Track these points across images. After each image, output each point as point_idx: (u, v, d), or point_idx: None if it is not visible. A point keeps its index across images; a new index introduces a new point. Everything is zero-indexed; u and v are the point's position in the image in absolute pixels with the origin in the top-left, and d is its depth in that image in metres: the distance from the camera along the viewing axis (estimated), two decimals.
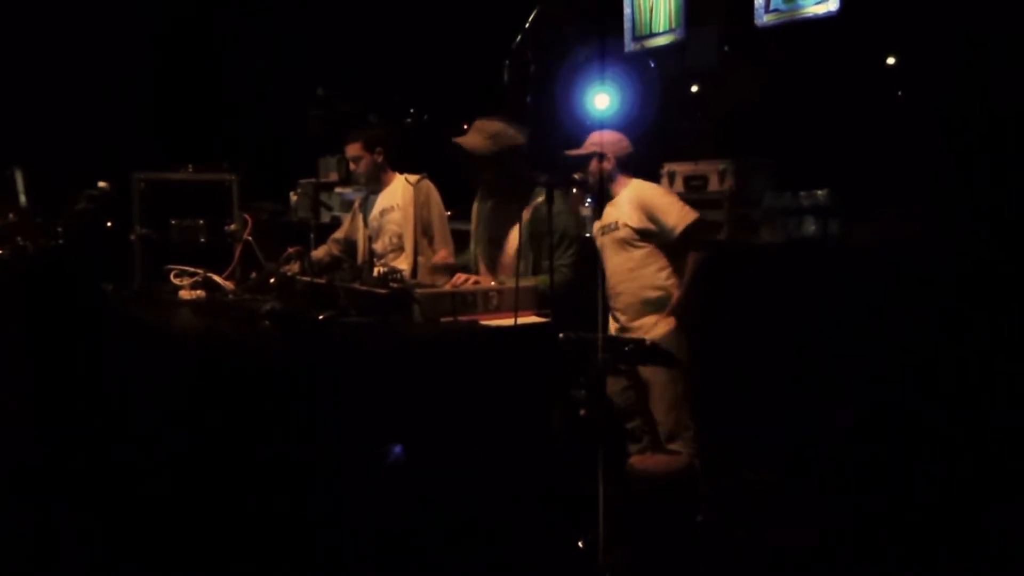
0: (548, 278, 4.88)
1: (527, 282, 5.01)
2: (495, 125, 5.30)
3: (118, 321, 5.33)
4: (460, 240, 6.05)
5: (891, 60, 6.18)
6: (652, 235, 5.52)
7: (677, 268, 5.52)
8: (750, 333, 5.52)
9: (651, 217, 5.49)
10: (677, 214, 5.44)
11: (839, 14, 6.52)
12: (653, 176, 6.62)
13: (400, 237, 6.17)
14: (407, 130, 6.02)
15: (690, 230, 5.41)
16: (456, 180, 5.69)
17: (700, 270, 5.35)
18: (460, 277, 5.20)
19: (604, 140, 5.35)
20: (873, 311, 5.36)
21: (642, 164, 5.72)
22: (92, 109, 8.40)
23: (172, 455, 4.57)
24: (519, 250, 5.17)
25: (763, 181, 6.44)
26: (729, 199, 6.41)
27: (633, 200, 5.54)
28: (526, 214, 5.26)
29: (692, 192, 6.62)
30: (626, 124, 5.96)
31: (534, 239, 5.24)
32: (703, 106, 7.27)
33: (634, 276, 5.50)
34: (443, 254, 5.94)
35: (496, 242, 5.48)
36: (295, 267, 5.56)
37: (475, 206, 5.70)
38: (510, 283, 4.96)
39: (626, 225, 5.55)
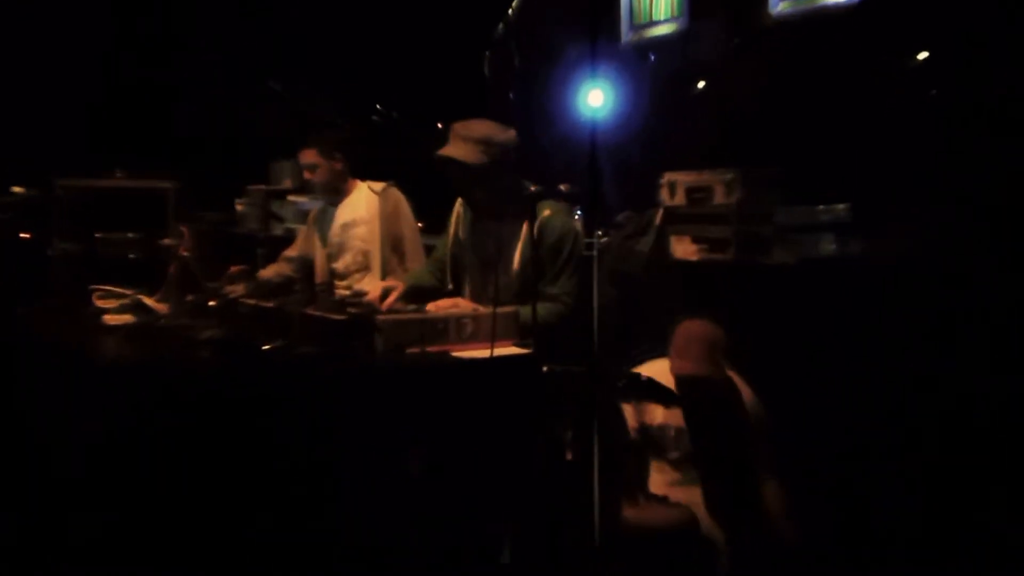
0: (546, 307, 4.70)
1: (506, 309, 4.78)
2: (481, 127, 4.98)
3: (33, 349, 5.15)
4: None
5: (922, 56, 5.94)
6: None
7: None
8: (764, 367, 5.26)
9: None
10: None
11: (862, 4, 6.34)
12: (651, 187, 6.40)
13: (366, 255, 6.01)
14: (371, 131, 5.83)
15: None
16: (428, 188, 5.47)
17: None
18: (446, 302, 4.93)
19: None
20: (895, 339, 5.26)
21: (638, 172, 5.45)
22: (14, 104, 7.99)
23: (93, 500, 4.48)
24: (517, 272, 4.94)
25: (774, 193, 6.27)
26: (736, 214, 6.28)
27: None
28: (524, 230, 5.01)
29: (695, 206, 6.43)
30: (621, 125, 5.81)
31: (540, 263, 4.98)
32: (708, 107, 7.07)
33: None
34: (415, 265, 5.80)
35: (489, 266, 5.17)
36: (240, 288, 5.32)
37: (453, 220, 5.34)
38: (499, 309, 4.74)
39: None
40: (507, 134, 4.93)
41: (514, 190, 4.90)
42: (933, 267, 5.27)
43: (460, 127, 4.96)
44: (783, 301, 5.60)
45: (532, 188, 4.72)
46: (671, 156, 6.75)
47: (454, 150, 4.93)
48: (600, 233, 5.65)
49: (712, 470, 4.74)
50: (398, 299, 4.93)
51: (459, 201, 5.20)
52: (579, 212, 5.79)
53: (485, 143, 4.90)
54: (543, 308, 4.72)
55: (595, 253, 5.15)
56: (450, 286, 5.34)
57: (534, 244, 4.80)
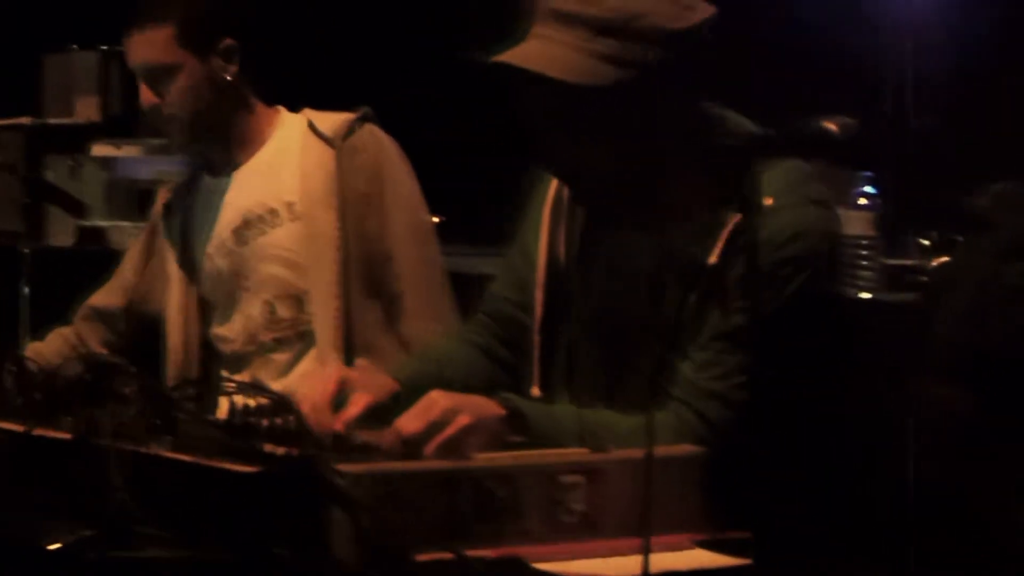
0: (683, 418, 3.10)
1: (680, 450, 2.98)
2: None
3: None
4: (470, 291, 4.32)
5: None
6: None
7: None
8: None
9: None
10: None
11: None
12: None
13: (298, 299, 4.29)
14: None
15: None
16: (469, 140, 5.07)
17: None
18: (478, 408, 3.07)
19: None
20: None
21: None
22: None
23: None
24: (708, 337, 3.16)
25: None
26: None
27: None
28: (726, 238, 3.23)
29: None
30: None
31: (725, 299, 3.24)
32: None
33: None
34: (435, 332, 4.04)
35: (634, 324, 3.34)
36: None
37: (545, 220, 3.44)
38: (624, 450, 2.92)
39: None
40: (686, 3, 3.06)
41: (696, 143, 3.20)
42: None
43: None
44: None
45: (753, 133, 3.07)
46: None
47: (541, 51, 3.10)
48: (928, 243, 4.43)
49: None
50: (369, 413, 3.16)
51: (554, 182, 3.38)
52: (867, 194, 4.97)
53: (615, 29, 3.04)
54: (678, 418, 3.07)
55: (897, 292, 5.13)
56: (535, 390, 3.31)
57: (750, 268, 3.12)
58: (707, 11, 2.93)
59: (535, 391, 3.24)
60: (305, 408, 2.98)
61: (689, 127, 3.03)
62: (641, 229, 3.12)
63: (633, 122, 2.99)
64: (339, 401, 3.08)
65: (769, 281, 2.96)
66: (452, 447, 2.75)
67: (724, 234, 2.94)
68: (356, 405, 3.05)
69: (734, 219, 2.96)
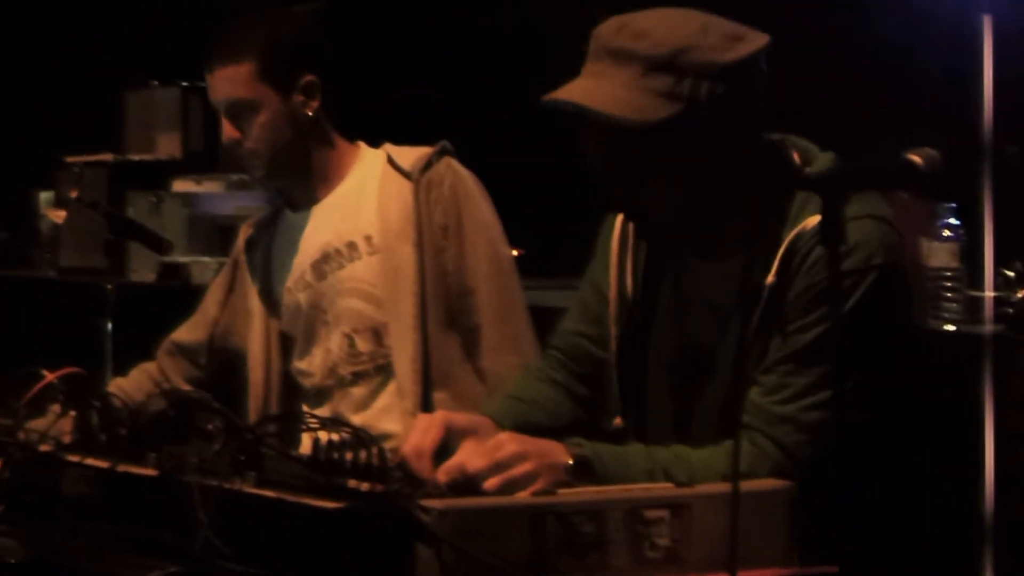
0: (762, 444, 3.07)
1: (766, 483, 2.96)
2: (662, 26, 3.06)
3: None
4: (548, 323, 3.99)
5: None
6: None
7: None
8: None
9: None
10: None
11: None
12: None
13: (378, 331, 4.28)
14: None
15: None
16: (547, 173, 5.18)
17: None
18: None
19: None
20: None
21: None
22: None
23: None
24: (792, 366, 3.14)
25: None
26: None
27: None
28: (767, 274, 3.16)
29: None
30: None
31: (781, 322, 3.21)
32: None
33: None
34: (515, 365, 4.03)
35: (694, 354, 3.35)
36: (63, 425, 3.27)
37: (613, 255, 3.48)
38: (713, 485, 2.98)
39: None
40: (735, 35, 3.13)
41: (755, 173, 3.21)
42: None
43: (610, 31, 3.13)
44: None
45: (836, 166, 3.04)
46: None
47: (594, 88, 3.13)
48: (1012, 275, 4.74)
49: None
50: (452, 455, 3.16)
51: (619, 216, 3.44)
52: (949, 227, 4.92)
53: (666, 64, 3.07)
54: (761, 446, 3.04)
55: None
56: (618, 420, 3.39)
57: (809, 284, 3.14)
58: (758, 41, 2.94)
59: (618, 421, 3.24)
60: (408, 453, 3.03)
61: (745, 157, 3.02)
62: (702, 258, 3.13)
63: (688, 155, 2.99)
64: (442, 447, 3.10)
65: (829, 296, 2.91)
66: (511, 489, 2.78)
67: (779, 253, 2.92)
68: (429, 440, 3.08)
69: (789, 237, 2.95)
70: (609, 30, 2.98)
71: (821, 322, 2.98)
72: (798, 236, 2.99)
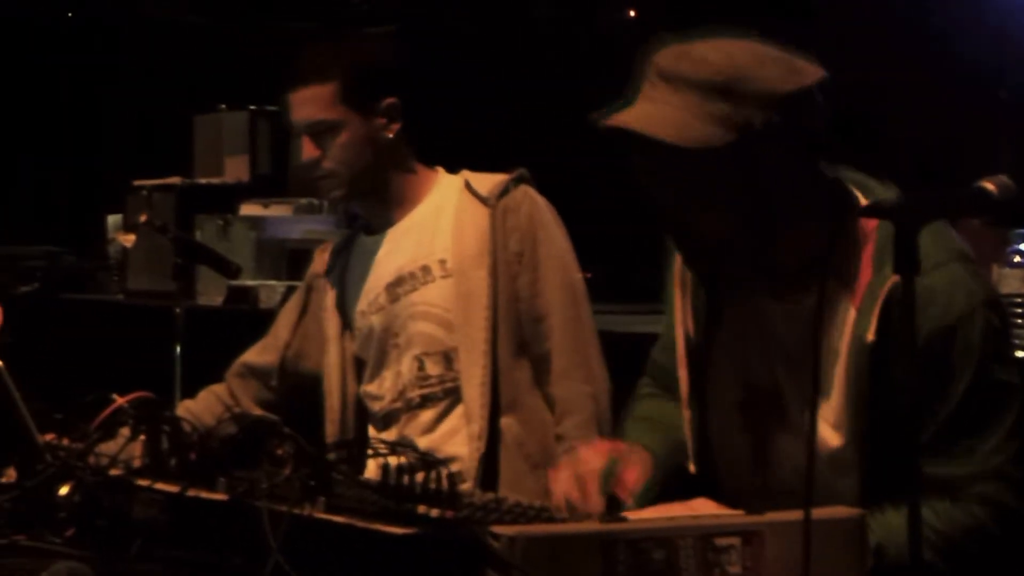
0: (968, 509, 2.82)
1: (836, 511, 2.83)
2: (719, 52, 2.98)
3: None
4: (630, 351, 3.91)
5: None
6: None
7: None
8: None
9: None
10: None
11: None
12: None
13: (448, 355, 4.23)
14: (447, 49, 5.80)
15: None
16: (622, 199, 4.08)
17: None
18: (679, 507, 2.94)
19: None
20: None
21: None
22: None
23: None
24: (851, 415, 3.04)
25: None
26: None
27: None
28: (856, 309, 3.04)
29: None
30: None
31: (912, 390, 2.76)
32: None
33: None
34: (585, 393, 4.02)
35: (762, 393, 3.21)
36: (133, 449, 3.19)
37: (676, 292, 3.40)
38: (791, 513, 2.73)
39: None
40: (792, 67, 3.01)
41: (811, 205, 3.06)
42: None
43: (669, 57, 3.06)
44: None
45: (908, 196, 2.65)
46: None
47: (652, 113, 3.02)
48: None
49: None
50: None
51: (677, 258, 3.36)
52: (1018, 256, 5.01)
53: (723, 91, 3.00)
54: (962, 511, 2.89)
55: None
56: (691, 467, 3.31)
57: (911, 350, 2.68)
58: (816, 74, 2.91)
59: (691, 468, 3.19)
60: (566, 481, 3.01)
61: (801, 188, 2.97)
62: (762, 295, 3.08)
63: (741, 183, 2.95)
64: (606, 475, 3.08)
65: (945, 354, 2.87)
66: None
67: (877, 308, 2.86)
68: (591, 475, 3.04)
69: (884, 290, 2.88)
70: (668, 56, 2.96)
71: (955, 386, 2.93)
72: (895, 286, 2.83)
